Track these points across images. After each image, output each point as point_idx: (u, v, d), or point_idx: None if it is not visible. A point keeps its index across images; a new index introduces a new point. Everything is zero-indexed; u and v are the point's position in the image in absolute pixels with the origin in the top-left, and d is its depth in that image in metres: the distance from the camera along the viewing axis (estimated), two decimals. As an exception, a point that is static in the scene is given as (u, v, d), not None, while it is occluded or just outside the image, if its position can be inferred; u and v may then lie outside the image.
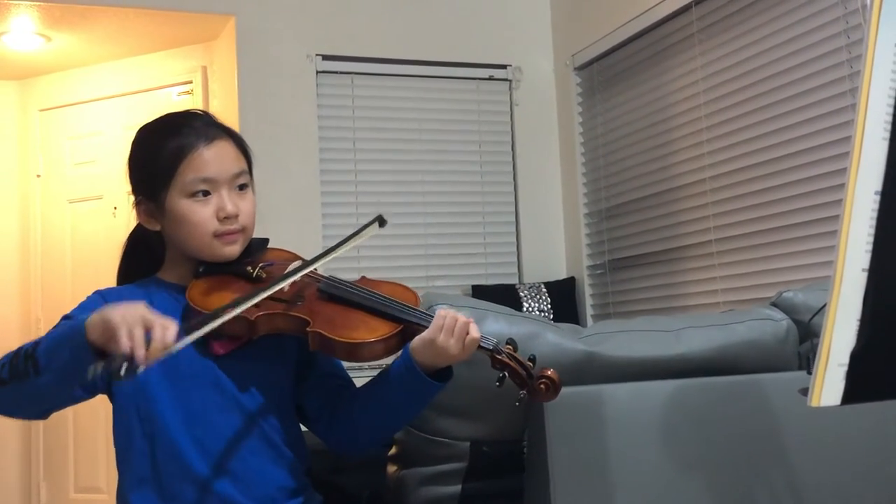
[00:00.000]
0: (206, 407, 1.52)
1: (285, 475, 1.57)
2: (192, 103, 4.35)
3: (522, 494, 1.69)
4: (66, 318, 1.53)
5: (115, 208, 4.54)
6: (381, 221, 1.53)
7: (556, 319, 3.99)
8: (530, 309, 4.14)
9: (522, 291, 4.22)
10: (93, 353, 1.28)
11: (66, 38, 4.30)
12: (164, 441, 1.50)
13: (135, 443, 1.51)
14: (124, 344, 1.21)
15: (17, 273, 4.85)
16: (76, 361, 1.29)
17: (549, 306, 4.20)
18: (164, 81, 4.50)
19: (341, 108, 4.26)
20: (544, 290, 4.26)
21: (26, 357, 1.35)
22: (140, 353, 1.21)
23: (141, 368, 1.21)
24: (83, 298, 1.60)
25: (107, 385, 1.53)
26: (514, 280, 4.46)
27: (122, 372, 1.18)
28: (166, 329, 1.25)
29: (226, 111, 4.10)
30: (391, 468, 1.82)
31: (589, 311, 4.39)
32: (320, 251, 1.56)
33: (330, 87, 4.24)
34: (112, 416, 1.55)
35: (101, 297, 1.58)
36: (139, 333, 1.22)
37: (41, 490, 4.68)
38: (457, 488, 1.70)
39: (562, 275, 4.49)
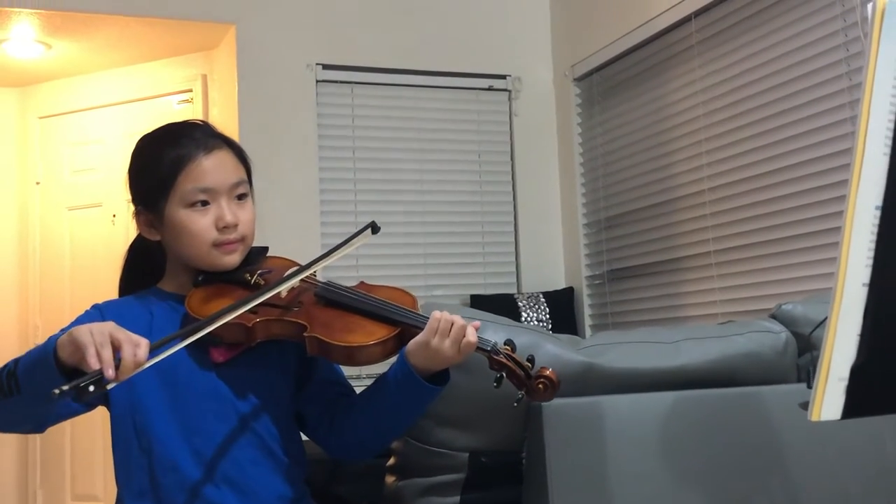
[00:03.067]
0: (204, 416, 1.51)
1: (284, 484, 1.57)
2: (193, 112, 4.36)
3: (521, 506, 1.69)
4: (63, 332, 1.53)
5: (114, 216, 4.54)
6: (373, 228, 1.53)
7: (554, 329, 3.99)
8: (529, 319, 4.14)
9: (521, 301, 4.22)
10: (61, 374, 1.27)
11: (66, 46, 4.31)
12: (161, 453, 1.50)
13: (133, 456, 1.51)
14: (93, 364, 1.21)
15: (16, 280, 4.85)
16: (47, 382, 1.27)
17: (548, 316, 4.20)
18: (164, 90, 4.51)
19: (341, 118, 4.27)
20: (543, 299, 4.26)
21: (9, 375, 1.35)
22: (109, 372, 1.21)
23: (111, 385, 1.21)
24: (82, 306, 1.60)
25: (104, 398, 1.52)
26: (512, 290, 4.46)
27: (91, 389, 1.18)
28: (137, 347, 1.25)
29: (226, 120, 4.11)
30: (389, 478, 1.82)
31: (587, 322, 4.39)
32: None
33: (329, 96, 4.25)
34: (110, 428, 1.55)
35: (99, 312, 1.58)
36: (107, 353, 1.22)
37: (38, 498, 4.67)
38: (455, 499, 1.70)
39: (560, 285, 4.49)
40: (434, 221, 4.37)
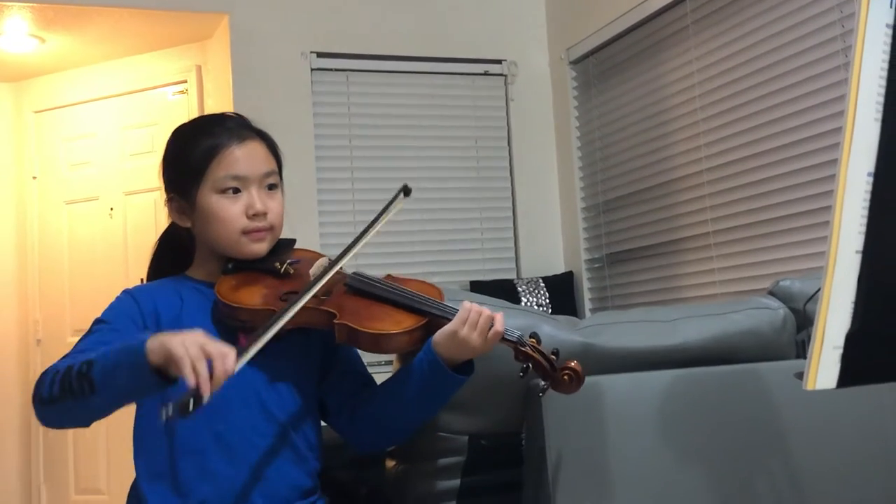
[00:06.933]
0: (228, 402, 1.51)
1: (301, 475, 1.58)
2: (187, 103, 4.35)
3: (521, 487, 1.68)
4: (98, 321, 1.55)
5: (112, 209, 4.53)
6: (405, 191, 1.56)
7: (554, 314, 3.98)
8: (528, 303, 4.13)
9: (520, 286, 4.22)
10: (154, 376, 1.29)
11: (60, 40, 4.30)
12: (183, 436, 1.51)
13: (154, 437, 1.52)
14: (191, 381, 1.22)
15: (15, 275, 4.84)
16: (136, 384, 1.32)
17: (548, 301, 4.19)
18: (158, 81, 4.49)
19: (336, 106, 4.25)
20: (542, 284, 4.26)
21: (80, 376, 1.35)
22: (206, 389, 1.22)
23: (206, 399, 1.23)
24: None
25: None
26: (511, 275, 4.46)
27: (190, 408, 1.20)
28: (226, 357, 1.26)
29: (221, 110, 4.08)
30: (390, 463, 1.82)
31: (587, 305, 4.38)
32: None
33: (325, 84, 4.24)
34: (135, 411, 1.56)
35: (132, 297, 1.60)
36: (203, 370, 1.23)
37: (41, 492, 4.67)
38: (456, 482, 1.70)
39: (560, 269, 4.49)
40: (432, 208, 4.36)
